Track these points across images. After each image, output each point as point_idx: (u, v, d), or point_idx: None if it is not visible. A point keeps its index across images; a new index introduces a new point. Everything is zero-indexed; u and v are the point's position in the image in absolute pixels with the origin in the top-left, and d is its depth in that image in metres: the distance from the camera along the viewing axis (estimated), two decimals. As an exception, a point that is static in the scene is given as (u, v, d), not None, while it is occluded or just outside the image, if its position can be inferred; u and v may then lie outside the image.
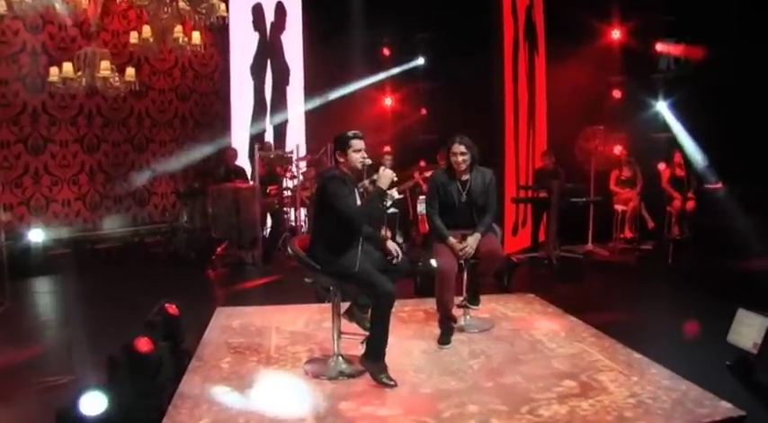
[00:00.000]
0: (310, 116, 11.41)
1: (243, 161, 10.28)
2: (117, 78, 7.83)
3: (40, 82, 9.17)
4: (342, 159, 4.52)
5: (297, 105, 11.50)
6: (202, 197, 9.19)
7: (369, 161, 4.53)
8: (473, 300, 5.58)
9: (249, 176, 9.81)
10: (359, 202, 4.53)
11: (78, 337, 5.78)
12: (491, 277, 5.77)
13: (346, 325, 4.71)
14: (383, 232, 9.26)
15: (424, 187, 9.45)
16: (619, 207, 9.67)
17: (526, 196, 9.60)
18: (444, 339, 5.13)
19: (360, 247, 4.48)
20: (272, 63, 11.35)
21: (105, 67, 7.45)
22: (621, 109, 10.24)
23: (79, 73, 7.66)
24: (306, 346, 5.21)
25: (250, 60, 11.20)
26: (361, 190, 4.62)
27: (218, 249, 8.97)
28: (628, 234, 9.71)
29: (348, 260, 4.40)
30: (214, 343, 5.34)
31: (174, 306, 5.14)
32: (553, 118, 10.28)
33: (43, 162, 9.73)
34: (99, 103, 10.15)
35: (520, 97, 9.74)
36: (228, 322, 5.93)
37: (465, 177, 5.32)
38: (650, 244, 9.60)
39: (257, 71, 11.21)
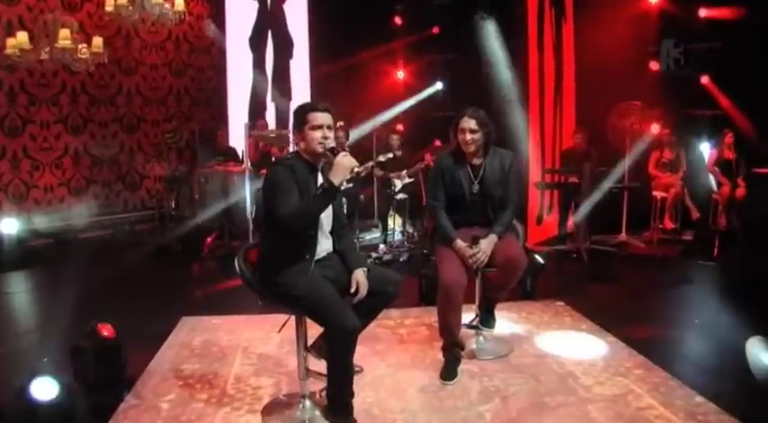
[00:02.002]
0: (315, 92, 10.07)
1: (241, 142, 9.01)
2: (85, 50, 6.60)
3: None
4: (298, 139, 3.27)
5: (301, 80, 10.16)
6: (190, 182, 7.97)
7: (331, 143, 3.23)
8: (487, 320, 4.25)
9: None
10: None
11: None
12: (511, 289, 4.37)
13: (316, 361, 3.43)
14: (390, 221, 8.03)
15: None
16: (658, 193, 8.23)
17: (552, 181, 8.25)
18: (448, 373, 3.84)
19: (312, 262, 3.21)
20: (273, 34, 10.01)
21: (65, 37, 6.21)
22: (660, 82, 8.77)
23: (46, 47, 6.46)
24: (273, 377, 3.96)
25: (249, 32, 9.86)
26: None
27: (208, 240, 7.76)
28: (668, 224, 8.28)
29: (293, 278, 3.15)
30: (162, 370, 4.12)
31: (109, 326, 3.94)
32: (583, 92, 8.87)
33: (22, 144, 8.62)
34: (84, 80, 9.01)
35: (546, 69, 8.37)
36: (189, 338, 4.71)
37: (477, 161, 4.00)
38: (691, 235, 8.18)
39: (256, 43, 9.89)
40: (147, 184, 9.71)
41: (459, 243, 3.86)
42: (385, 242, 7.67)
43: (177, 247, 7.82)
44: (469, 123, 3.88)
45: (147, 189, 9.72)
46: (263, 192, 3.22)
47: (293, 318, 3.36)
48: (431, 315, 4.93)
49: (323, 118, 3.21)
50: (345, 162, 3.11)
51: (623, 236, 8.22)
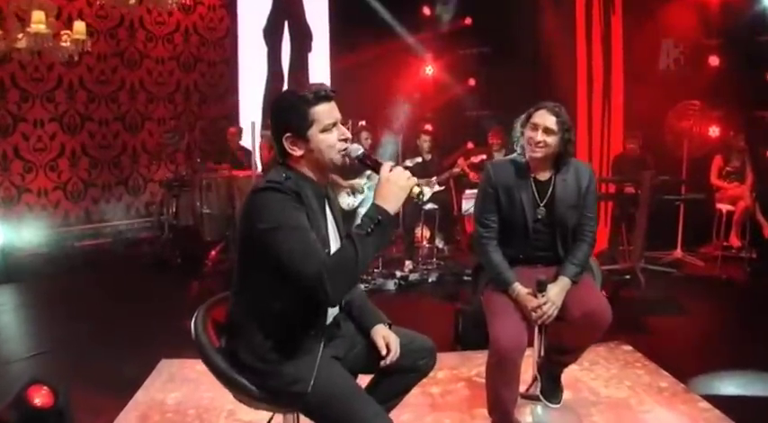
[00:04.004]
0: (335, 88, 8.91)
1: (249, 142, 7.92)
2: (66, 37, 5.54)
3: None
4: (297, 151, 2.06)
5: (320, 75, 8.98)
6: (192, 187, 6.90)
7: (360, 149, 2.09)
8: (551, 390, 3.05)
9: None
10: (332, 241, 2.11)
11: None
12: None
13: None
14: (417, 233, 6.90)
15: (472, 176, 7.04)
16: (723, 206, 6.97)
17: (603, 191, 7.06)
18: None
19: (321, 340, 2.08)
20: (290, 25, 8.88)
21: (38, 20, 5.09)
22: (721, 80, 7.53)
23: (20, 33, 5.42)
24: (260, 464, 2.84)
25: (263, 22, 8.75)
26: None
27: (212, 253, 6.69)
28: (734, 241, 7.00)
29: (293, 367, 2.01)
30: (118, 446, 3.03)
31: (45, 390, 2.87)
32: (632, 90, 7.71)
33: (13, 144, 7.62)
34: (82, 74, 8.02)
35: (594, 63, 7.20)
36: (164, 393, 3.61)
37: (545, 176, 2.85)
38: (755, 252, 6.92)
39: (272, 35, 8.78)
40: (152, 188, 8.66)
41: (520, 289, 2.71)
42: (411, 258, 6.53)
43: (177, 260, 6.76)
44: (546, 120, 2.71)
45: (152, 193, 8.67)
46: (254, 236, 1.97)
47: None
48: (470, 364, 3.86)
49: (334, 110, 2.07)
50: (401, 179, 1.96)
51: (678, 252, 7.03)
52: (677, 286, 6.12)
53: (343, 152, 2.06)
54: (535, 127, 2.74)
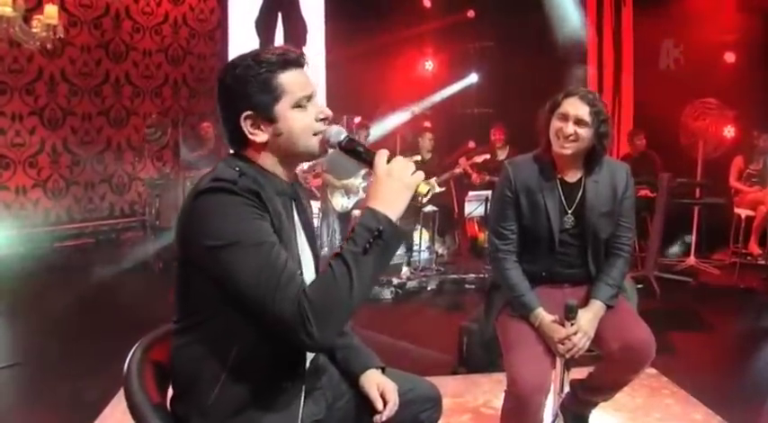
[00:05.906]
0: (331, 84, 8.39)
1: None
2: (37, 21, 5.03)
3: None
4: (260, 136, 1.52)
5: (315, 70, 8.45)
6: (175, 186, 6.41)
7: (342, 132, 1.55)
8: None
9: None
10: (304, 259, 1.61)
11: None
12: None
13: None
14: (415, 238, 6.40)
15: (474, 177, 6.56)
16: (742, 211, 6.49)
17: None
18: None
19: (300, 396, 1.55)
20: (283, 18, 8.38)
21: (3, 2, 4.56)
22: (738, 76, 7.11)
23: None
24: None
25: (255, 13, 8.25)
26: None
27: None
28: (753, 248, 6.52)
29: None
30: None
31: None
32: (643, 86, 7.27)
33: (-11, 140, 7.14)
34: (64, 66, 7.52)
35: (605, 58, 6.73)
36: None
37: (574, 177, 2.34)
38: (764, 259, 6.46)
39: (264, 28, 8.26)
40: (137, 186, 8.16)
41: (544, 316, 2.20)
42: (409, 264, 6.03)
43: (159, 265, 6.26)
44: (579, 109, 2.20)
45: (138, 192, 8.16)
46: (202, 251, 1.44)
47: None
48: (476, 391, 3.36)
49: (308, 81, 1.54)
50: (405, 173, 1.47)
51: (692, 260, 6.57)
52: (694, 296, 5.68)
53: (321, 137, 1.53)
54: (564, 117, 2.22)
